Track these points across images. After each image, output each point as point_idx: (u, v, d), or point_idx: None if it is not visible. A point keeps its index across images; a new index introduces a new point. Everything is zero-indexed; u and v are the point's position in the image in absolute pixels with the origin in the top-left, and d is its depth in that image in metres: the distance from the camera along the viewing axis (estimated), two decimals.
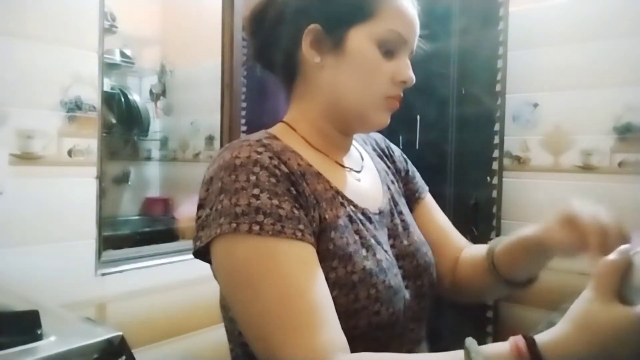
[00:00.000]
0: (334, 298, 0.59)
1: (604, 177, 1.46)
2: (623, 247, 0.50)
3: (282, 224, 0.58)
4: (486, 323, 1.59)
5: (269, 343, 0.55)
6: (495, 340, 1.58)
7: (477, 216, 1.64)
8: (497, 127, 1.62)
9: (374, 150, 0.87)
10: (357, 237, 0.66)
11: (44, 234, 1.22)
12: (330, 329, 0.55)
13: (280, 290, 0.55)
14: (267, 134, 0.70)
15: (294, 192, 0.62)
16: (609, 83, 1.45)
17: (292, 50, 0.71)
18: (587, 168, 1.49)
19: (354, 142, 0.80)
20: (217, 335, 1.70)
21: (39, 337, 0.75)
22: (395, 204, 0.78)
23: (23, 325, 0.76)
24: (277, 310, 0.55)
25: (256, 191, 0.59)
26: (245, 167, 0.60)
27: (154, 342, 1.48)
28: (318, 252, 0.61)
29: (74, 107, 1.26)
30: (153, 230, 2.08)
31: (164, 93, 2.33)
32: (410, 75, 0.69)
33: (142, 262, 1.46)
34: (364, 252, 0.65)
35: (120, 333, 0.80)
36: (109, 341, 0.78)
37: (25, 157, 1.18)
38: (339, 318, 0.58)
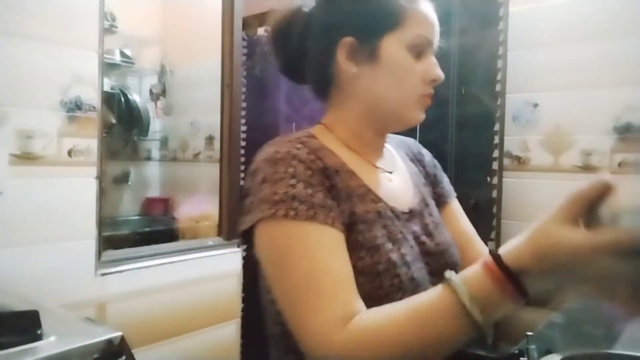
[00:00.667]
0: (359, 284, 0.64)
1: None
2: (599, 176, 0.52)
3: (314, 210, 0.64)
4: None
5: (298, 310, 0.62)
6: (495, 340, 1.58)
7: (477, 216, 1.64)
8: (497, 127, 1.62)
9: (407, 154, 0.91)
10: (384, 231, 0.70)
11: (44, 234, 1.22)
12: (350, 299, 0.62)
13: (309, 268, 0.62)
14: (307, 133, 0.75)
15: (327, 184, 0.68)
16: (609, 83, 1.45)
17: (326, 63, 0.75)
18: (587, 168, 1.49)
19: (387, 145, 0.85)
20: (217, 335, 1.71)
21: (39, 337, 0.75)
22: (426, 204, 0.82)
23: (23, 325, 0.76)
24: (305, 284, 0.62)
25: (293, 181, 0.65)
26: (285, 161, 0.67)
27: (154, 342, 1.48)
28: (348, 242, 0.67)
29: (74, 107, 1.26)
30: (153, 230, 2.08)
31: (164, 93, 2.33)
32: (439, 74, 0.74)
33: (142, 262, 1.46)
34: (390, 245, 0.70)
35: (120, 333, 0.80)
36: (109, 341, 0.78)
37: (25, 157, 1.18)
38: (364, 303, 0.64)
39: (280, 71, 0.84)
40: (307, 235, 0.64)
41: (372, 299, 0.64)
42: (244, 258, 1.82)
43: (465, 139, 1.68)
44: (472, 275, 0.54)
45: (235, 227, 1.80)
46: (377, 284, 0.67)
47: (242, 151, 2.03)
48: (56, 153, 1.24)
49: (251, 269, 2.09)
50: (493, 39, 1.61)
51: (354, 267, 0.66)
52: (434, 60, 0.75)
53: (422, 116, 0.77)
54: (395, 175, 0.81)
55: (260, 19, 2.46)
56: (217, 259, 1.69)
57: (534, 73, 1.58)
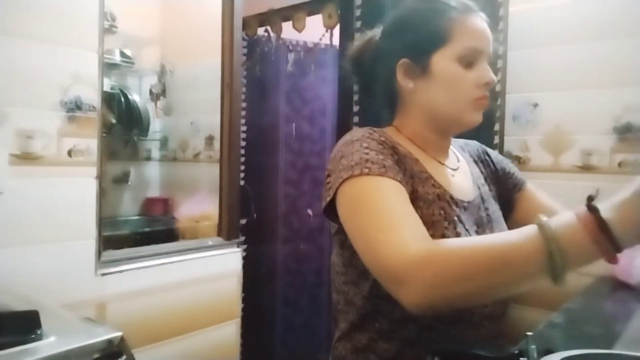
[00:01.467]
0: None
1: (604, 177, 1.46)
2: None
3: (385, 169, 0.74)
4: None
5: (373, 243, 0.69)
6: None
7: None
8: (497, 127, 1.61)
9: (471, 156, 0.99)
10: (442, 212, 0.79)
11: (44, 234, 1.22)
12: (416, 230, 0.69)
13: (384, 206, 0.71)
14: (380, 129, 0.86)
15: (396, 158, 0.79)
16: (609, 83, 1.45)
17: (389, 82, 0.87)
18: (587, 168, 1.49)
19: (453, 147, 0.94)
20: (217, 335, 1.71)
21: (39, 337, 0.75)
22: (483, 200, 0.90)
23: (23, 325, 0.76)
24: (383, 217, 0.70)
25: (366, 151, 0.77)
26: (360, 141, 0.79)
27: (154, 342, 1.48)
28: None
29: (74, 107, 1.26)
30: (153, 230, 2.08)
31: (164, 93, 2.33)
32: (491, 77, 0.82)
33: (142, 262, 1.46)
34: (445, 224, 0.78)
35: (120, 333, 0.80)
36: (109, 341, 0.78)
37: (25, 157, 1.18)
38: None
39: (359, 90, 1.00)
40: (380, 186, 0.73)
41: None
42: (244, 258, 1.83)
43: (465, 139, 1.67)
44: (565, 226, 0.57)
45: (235, 227, 1.80)
46: None
47: (242, 151, 2.04)
48: (56, 153, 1.24)
49: (252, 268, 2.10)
50: (493, 39, 1.61)
51: None
52: (485, 66, 0.82)
53: (479, 117, 0.84)
54: (457, 172, 0.90)
55: (260, 19, 2.46)
56: (217, 259, 1.69)
57: (534, 73, 1.58)
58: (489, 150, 1.04)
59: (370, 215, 0.71)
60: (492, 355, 0.67)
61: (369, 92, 0.97)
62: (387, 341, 0.80)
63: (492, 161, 1.01)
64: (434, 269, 0.62)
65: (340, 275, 0.86)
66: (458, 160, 0.93)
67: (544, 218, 0.58)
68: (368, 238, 0.70)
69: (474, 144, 1.04)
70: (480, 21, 0.83)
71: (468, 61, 0.81)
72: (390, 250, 0.66)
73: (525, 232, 0.60)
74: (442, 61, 0.81)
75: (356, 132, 0.82)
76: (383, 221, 0.70)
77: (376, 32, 0.92)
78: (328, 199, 0.78)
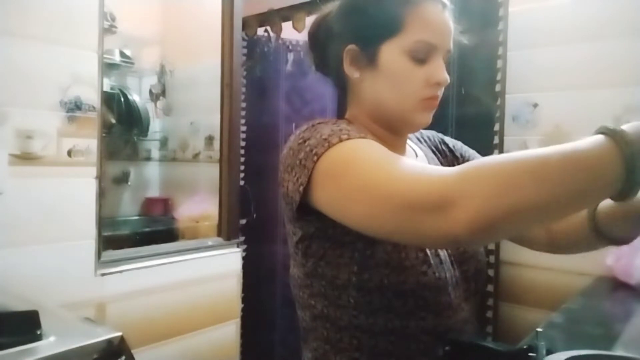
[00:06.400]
0: (387, 253, 0.70)
1: None
2: None
3: (363, 135, 0.68)
4: (486, 323, 1.59)
5: (389, 179, 0.59)
6: (495, 339, 1.58)
7: None
8: (497, 127, 1.61)
9: (429, 147, 0.92)
10: None
11: (44, 234, 1.22)
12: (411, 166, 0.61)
13: (384, 154, 0.63)
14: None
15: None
16: (609, 83, 1.45)
17: (338, 67, 0.79)
18: None
19: (410, 142, 0.87)
20: (217, 335, 1.71)
21: (39, 337, 0.75)
22: None
23: (23, 325, 0.76)
24: (386, 161, 0.62)
25: (337, 126, 0.69)
26: (324, 123, 0.72)
27: (154, 342, 1.48)
28: None
29: (74, 107, 1.26)
30: (153, 230, 2.08)
31: (163, 93, 2.33)
32: (443, 76, 0.74)
33: (142, 262, 1.46)
34: None
35: (120, 333, 0.80)
36: (109, 341, 0.78)
37: (25, 157, 1.18)
38: (391, 273, 0.70)
39: (314, 69, 0.88)
40: (369, 142, 0.66)
41: (399, 269, 0.70)
42: (243, 258, 1.83)
43: (465, 139, 1.65)
44: (635, 130, 0.50)
45: (235, 227, 1.80)
46: (404, 255, 0.71)
47: (242, 151, 2.04)
48: (56, 153, 1.23)
49: (252, 268, 2.09)
50: (493, 39, 1.61)
51: (383, 240, 0.69)
52: (439, 63, 0.74)
53: (426, 119, 0.77)
54: None
55: (260, 19, 2.46)
56: (217, 259, 1.69)
57: (534, 73, 1.58)
58: (446, 138, 0.97)
59: (373, 161, 0.62)
60: (501, 348, 0.67)
61: (323, 73, 0.87)
62: (371, 358, 0.73)
63: (449, 150, 0.94)
64: (491, 175, 0.52)
65: (303, 288, 0.78)
66: (416, 156, 0.86)
67: (607, 125, 0.51)
68: (379, 179, 0.59)
69: (430, 134, 0.96)
70: (439, 12, 0.74)
71: (420, 56, 0.72)
72: (418, 175, 0.56)
73: (591, 139, 0.51)
74: (391, 53, 0.73)
75: (312, 121, 0.74)
76: (392, 159, 0.61)
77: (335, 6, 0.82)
78: (301, 188, 0.66)
